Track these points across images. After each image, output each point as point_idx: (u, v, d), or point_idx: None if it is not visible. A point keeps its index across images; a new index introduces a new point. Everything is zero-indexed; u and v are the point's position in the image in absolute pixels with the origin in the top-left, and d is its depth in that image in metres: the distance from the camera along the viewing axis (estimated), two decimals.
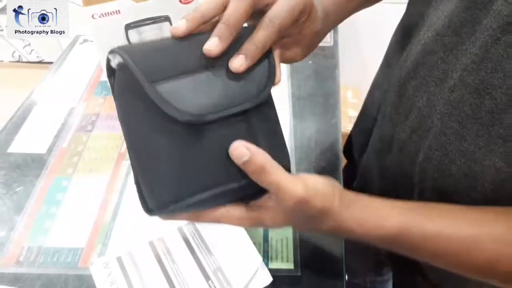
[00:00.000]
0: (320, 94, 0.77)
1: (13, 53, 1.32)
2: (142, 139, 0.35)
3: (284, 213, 0.37)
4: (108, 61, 0.36)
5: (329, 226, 0.38)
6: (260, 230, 0.56)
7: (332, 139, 0.68)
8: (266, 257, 0.53)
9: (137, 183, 0.37)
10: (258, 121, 0.37)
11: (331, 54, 0.86)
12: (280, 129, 0.40)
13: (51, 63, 1.30)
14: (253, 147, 0.34)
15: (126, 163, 0.65)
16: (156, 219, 0.57)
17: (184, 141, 0.35)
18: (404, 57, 0.49)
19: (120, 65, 0.35)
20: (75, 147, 0.67)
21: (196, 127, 0.34)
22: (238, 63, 0.35)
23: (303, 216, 0.37)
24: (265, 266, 0.51)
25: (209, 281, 0.50)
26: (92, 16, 0.57)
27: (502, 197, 0.38)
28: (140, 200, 0.37)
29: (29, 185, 0.62)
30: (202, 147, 0.35)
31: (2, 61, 1.31)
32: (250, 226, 0.39)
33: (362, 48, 1.41)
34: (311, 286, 0.51)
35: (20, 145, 0.68)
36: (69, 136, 0.69)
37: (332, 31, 0.92)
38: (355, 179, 0.71)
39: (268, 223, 0.38)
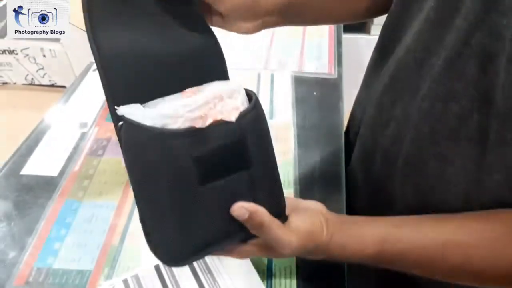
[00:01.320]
0: (325, 125, 0.79)
1: (26, 76, 1.35)
2: (157, 196, 0.38)
3: (280, 254, 0.44)
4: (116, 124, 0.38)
5: (320, 255, 0.45)
6: (264, 259, 0.57)
7: (336, 169, 0.70)
8: (270, 285, 0.54)
9: (147, 235, 0.41)
10: (258, 172, 0.40)
11: (335, 86, 0.89)
12: (277, 172, 0.43)
13: (63, 87, 1.33)
14: (251, 206, 0.39)
15: None
16: None
17: (196, 196, 0.37)
18: (382, 73, 0.54)
19: (124, 124, 0.37)
20: (86, 170, 0.69)
21: (206, 184, 0.37)
22: None
23: (299, 254, 0.44)
24: None
25: None
26: None
27: (474, 196, 0.42)
28: (151, 249, 0.41)
29: (40, 207, 0.64)
30: (212, 202, 0.38)
31: (15, 83, 1.35)
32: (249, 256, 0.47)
33: None
34: None
35: (33, 167, 0.70)
36: (81, 159, 0.71)
37: (336, 64, 0.95)
38: None
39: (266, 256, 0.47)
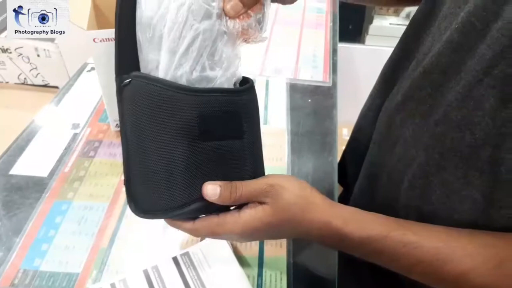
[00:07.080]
0: (318, 132, 0.80)
1: (19, 75, 1.35)
2: (157, 147, 0.40)
3: (260, 221, 0.41)
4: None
5: (313, 221, 0.41)
6: (254, 264, 0.56)
7: (328, 177, 0.70)
8: (260, 280, 0.54)
9: (127, 183, 0.43)
10: (248, 144, 0.43)
11: (330, 94, 0.89)
12: (262, 150, 0.46)
13: (56, 87, 1.33)
14: (218, 183, 0.40)
15: None
16: (151, 248, 0.59)
17: (194, 150, 0.40)
18: (395, 90, 0.53)
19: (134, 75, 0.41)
20: (76, 172, 0.68)
21: (205, 141, 0.40)
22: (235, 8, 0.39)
23: (282, 213, 0.41)
24: None
25: None
26: (94, 40, 0.60)
27: (478, 227, 0.41)
28: (129, 200, 0.44)
29: (28, 208, 0.63)
30: (206, 160, 0.41)
31: (7, 82, 1.34)
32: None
33: (359, 88, 1.45)
34: None
35: (23, 167, 0.69)
36: (72, 161, 0.70)
37: (331, 72, 0.95)
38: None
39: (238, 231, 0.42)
